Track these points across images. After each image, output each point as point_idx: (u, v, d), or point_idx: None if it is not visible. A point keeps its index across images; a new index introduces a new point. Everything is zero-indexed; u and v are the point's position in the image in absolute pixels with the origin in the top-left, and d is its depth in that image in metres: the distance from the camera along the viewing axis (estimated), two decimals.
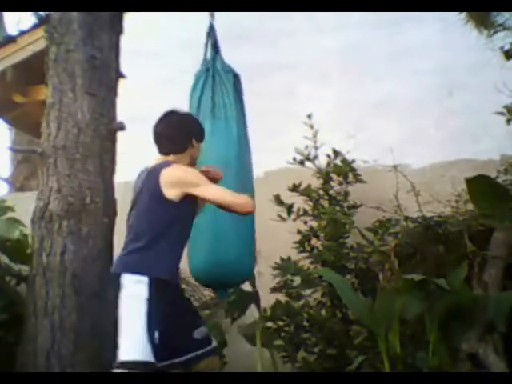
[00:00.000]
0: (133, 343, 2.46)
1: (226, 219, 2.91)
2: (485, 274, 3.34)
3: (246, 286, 3.76)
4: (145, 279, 2.51)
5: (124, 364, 2.44)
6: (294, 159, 4.19)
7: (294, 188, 4.13)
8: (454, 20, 3.69)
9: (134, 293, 2.50)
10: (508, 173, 3.77)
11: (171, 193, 2.60)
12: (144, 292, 2.50)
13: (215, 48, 3.33)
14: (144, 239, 2.59)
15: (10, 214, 4.09)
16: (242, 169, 3.19)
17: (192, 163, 2.83)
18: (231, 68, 3.34)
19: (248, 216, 2.87)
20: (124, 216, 3.37)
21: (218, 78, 3.21)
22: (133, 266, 2.56)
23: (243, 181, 3.16)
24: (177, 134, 2.79)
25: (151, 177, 2.67)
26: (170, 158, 2.75)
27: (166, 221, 2.61)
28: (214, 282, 3.09)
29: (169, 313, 2.56)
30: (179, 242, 2.70)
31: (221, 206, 2.67)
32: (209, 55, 3.32)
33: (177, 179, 2.63)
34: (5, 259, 3.98)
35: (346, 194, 4.16)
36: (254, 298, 3.72)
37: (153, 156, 3.23)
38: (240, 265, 3.03)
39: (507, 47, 3.59)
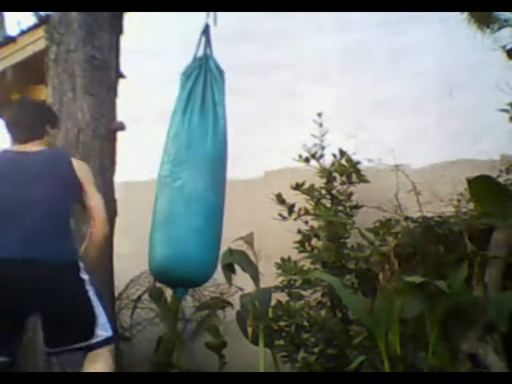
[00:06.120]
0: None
1: (187, 217, 2.87)
2: (485, 275, 3.34)
3: (250, 286, 3.77)
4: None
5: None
6: (300, 156, 4.21)
7: (297, 187, 4.14)
8: (455, 20, 3.69)
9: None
10: (510, 172, 3.76)
11: (89, 185, 2.67)
12: None
13: (208, 47, 3.32)
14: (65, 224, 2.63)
15: None
16: (222, 166, 3.15)
17: None
18: (222, 69, 3.33)
19: (214, 215, 2.88)
20: (124, 216, 3.38)
21: (209, 75, 3.19)
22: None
23: (221, 177, 3.12)
24: (36, 120, 2.74)
25: (54, 162, 2.66)
26: (32, 144, 2.68)
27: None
28: (172, 280, 3.01)
29: None
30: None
31: (91, 216, 2.70)
32: (201, 53, 3.30)
33: (90, 172, 2.74)
34: None
35: (350, 194, 4.17)
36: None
37: (154, 155, 3.22)
38: (200, 264, 2.95)
39: (509, 46, 3.59)
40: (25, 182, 2.54)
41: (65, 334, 2.51)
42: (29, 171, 2.58)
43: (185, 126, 3.04)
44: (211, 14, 3.32)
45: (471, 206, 3.65)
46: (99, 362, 2.49)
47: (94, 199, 2.69)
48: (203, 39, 3.30)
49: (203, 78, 3.17)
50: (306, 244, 4.07)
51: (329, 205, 4.14)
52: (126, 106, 3.62)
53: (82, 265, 2.56)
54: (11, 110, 2.84)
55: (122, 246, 3.03)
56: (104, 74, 3.36)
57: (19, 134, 2.71)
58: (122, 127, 3.42)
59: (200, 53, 3.29)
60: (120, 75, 3.59)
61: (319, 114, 4.22)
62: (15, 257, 2.39)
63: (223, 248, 3.37)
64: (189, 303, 4.35)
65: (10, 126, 2.76)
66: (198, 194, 2.91)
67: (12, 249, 2.41)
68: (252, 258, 3.77)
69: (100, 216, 2.68)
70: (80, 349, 2.52)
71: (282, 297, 3.86)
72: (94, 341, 2.51)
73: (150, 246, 2.92)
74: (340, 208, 4.10)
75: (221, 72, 3.25)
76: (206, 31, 3.32)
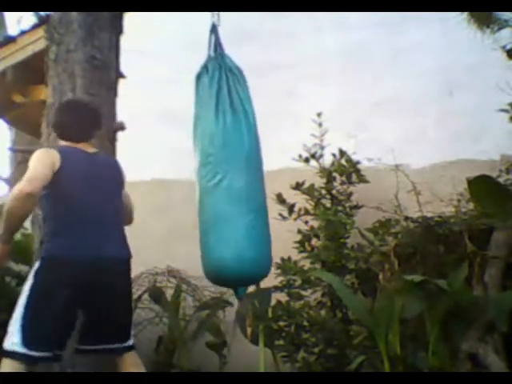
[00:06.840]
0: None
1: (236, 217, 2.89)
2: (485, 275, 3.34)
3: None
4: None
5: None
6: (300, 156, 4.21)
7: (297, 186, 4.14)
8: (455, 20, 3.69)
9: None
10: (510, 172, 3.76)
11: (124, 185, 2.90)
12: None
13: (220, 46, 3.32)
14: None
15: None
16: (259, 160, 3.16)
17: None
18: (240, 67, 3.34)
19: (262, 212, 2.97)
20: None
21: (230, 74, 3.20)
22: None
23: (260, 173, 3.13)
24: (90, 123, 2.85)
25: (112, 165, 2.84)
26: (84, 145, 2.76)
27: None
28: (231, 280, 3.04)
29: None
30: None
31: (126, 213, 2.92)
32: (213, 53, 3.30)
33: None
34: None
35: (350, 194, 4.18)
36: None
37: (153, 155, 3.21)
38: (257, 262, 2.98)
39: (509, 46, 3.59)
40: (98, 183, 2.65)
41: (107, 332, 2.58)
42: (99, 173, 2.69)
43: (220, 126, 3.03)
44: (216, 13, 3.32)
45: (471, 206, 3.65)
46: (139, 367, 2.63)
47: (129, 198, 2.93)
48: (213, 38, 3.30)
49: (225, 77, 3.18)
50: (306, 244, 4.07)
51: (329, 205, 4.14)
52: (125, 105, 3.62)
53: None
54: (66, 110, 2.87)
55: None
56: (104, 74, 3.36)
57: (75, 133, 2.75)
58: (122, 127, 3.42)
59: (212, 53, 3.29)
60: (120, 75, 3.58)
61: (319, 114, 4.23)
62: (90, 257, 2.50)
63: None
64: (189, 303, 4.36)
65: (65, 125, 2.77)
66: (243, 192, 2.92)
67: (87, 249, 2.51)
68: None
69: (132, 216, 2.95)
70: (111, 350, 2.59)
71: (282, 297, 3.86)
72: (128, 343, 2.63)
73: (204, 250, 2.95)
74: (340, 208, 4.11)
75: (239, 69, 3.26)
76: (214, 30, 3.32)
